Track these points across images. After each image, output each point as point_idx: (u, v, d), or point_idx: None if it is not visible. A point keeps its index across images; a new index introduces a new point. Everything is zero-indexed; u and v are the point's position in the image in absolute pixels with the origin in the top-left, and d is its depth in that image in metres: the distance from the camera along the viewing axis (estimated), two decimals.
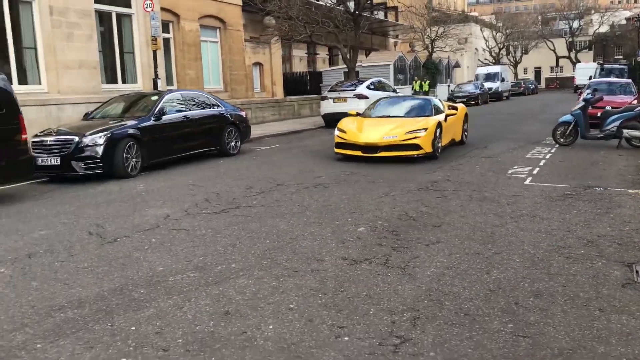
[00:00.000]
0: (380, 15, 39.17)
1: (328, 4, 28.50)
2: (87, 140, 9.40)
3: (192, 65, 22.31)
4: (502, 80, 41.18)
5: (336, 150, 10.98)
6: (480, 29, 56.57)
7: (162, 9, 19.16)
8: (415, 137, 10.17)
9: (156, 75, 15.67)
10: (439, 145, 10.81)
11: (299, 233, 5.72)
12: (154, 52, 15.84)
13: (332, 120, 17.67)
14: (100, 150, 9.35)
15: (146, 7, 15.22)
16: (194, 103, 11.94)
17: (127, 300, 4.01)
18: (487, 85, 38.04)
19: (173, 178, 9.54)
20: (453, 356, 3.14)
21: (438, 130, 10.67)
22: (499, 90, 39.92)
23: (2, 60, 13.48)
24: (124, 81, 16.50)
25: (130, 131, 9.91)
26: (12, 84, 9.47)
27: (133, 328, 3.55)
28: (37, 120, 12.50)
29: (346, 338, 3.37)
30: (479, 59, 56.35)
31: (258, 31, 28.39)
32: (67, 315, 3.78)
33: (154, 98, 11.26)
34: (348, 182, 8.55)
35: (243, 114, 13.27)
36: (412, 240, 5.42)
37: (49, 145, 9.49)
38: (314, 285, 4.24)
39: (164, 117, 10.71)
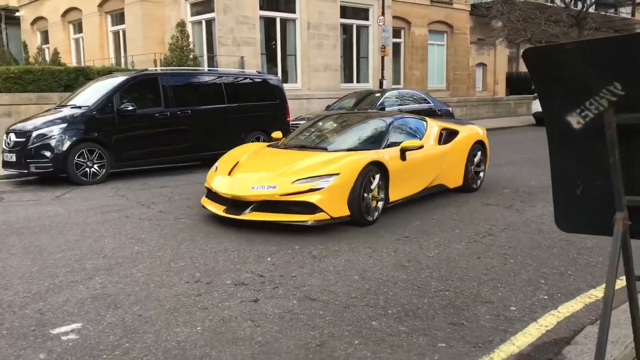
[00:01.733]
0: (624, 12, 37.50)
1: (555, 5, 28.99)
2: None
3: (418, 66, 25.36)
4: None
5: (202, 200, 6.92)
6: None
7: (396, 17, 22.54)
8: (309, 191, 5.91)
9: (382, 77, 19.02)
10: (377, 202, 6.42)
11: None
12: (382, 58, 19.21)
13: (541, 119, 19.06)
14: None
15: (379, 22, 18.65)
16: (408, 99, 14.90)
17: None
18: None
19: None
20: (513, 241, 5.51)
21: (371, 177, 6.27)
22: None
23: (272, 64, 18.16)
24: (358, 81, 20.30)
25: None
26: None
27: None
28: (292, 110, 16.73)
29: (457, 230, 5.96)
30: None
31: (484, 33, 30.13)
32: None
33: (377, 95, 14.53)
34: (517, 164, 10.65)
35: (450, 109, 15.82)
36: (540, 199, 7.58)
37: None
38: (453, 211, 6.85)
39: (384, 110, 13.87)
